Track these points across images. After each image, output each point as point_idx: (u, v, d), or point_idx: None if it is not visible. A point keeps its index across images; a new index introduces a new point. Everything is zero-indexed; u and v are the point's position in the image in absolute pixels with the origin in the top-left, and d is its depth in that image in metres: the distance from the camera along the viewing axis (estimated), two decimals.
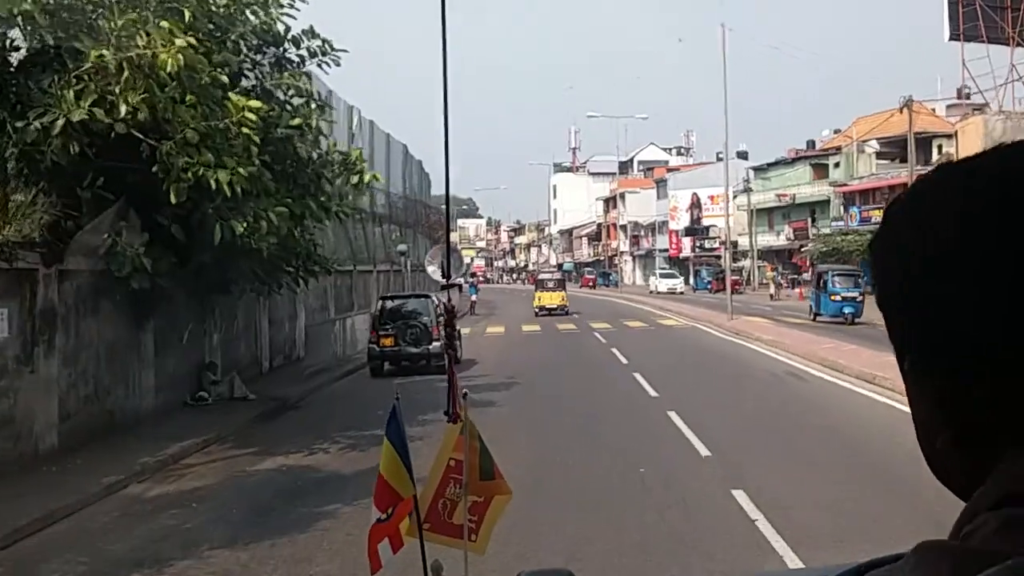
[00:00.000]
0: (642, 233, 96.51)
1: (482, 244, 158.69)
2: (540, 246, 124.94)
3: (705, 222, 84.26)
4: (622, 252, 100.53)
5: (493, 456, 3.33)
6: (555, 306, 44.37)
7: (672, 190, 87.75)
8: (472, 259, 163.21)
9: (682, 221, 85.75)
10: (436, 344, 22.09)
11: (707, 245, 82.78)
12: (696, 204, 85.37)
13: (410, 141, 46.48)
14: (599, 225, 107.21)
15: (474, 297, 50.40)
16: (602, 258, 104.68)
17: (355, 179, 15.44)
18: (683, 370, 21.62)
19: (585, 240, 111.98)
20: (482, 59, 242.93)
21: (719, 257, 79.88)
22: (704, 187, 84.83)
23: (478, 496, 3.29)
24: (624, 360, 23.61)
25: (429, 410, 14.17)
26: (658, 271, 76.99)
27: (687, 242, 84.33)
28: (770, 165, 74.85)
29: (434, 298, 23.14)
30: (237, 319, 19.98)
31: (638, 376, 20.18)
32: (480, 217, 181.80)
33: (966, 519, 0.70)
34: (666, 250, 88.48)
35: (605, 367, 22.60)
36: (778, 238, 72.17)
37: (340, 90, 29.66)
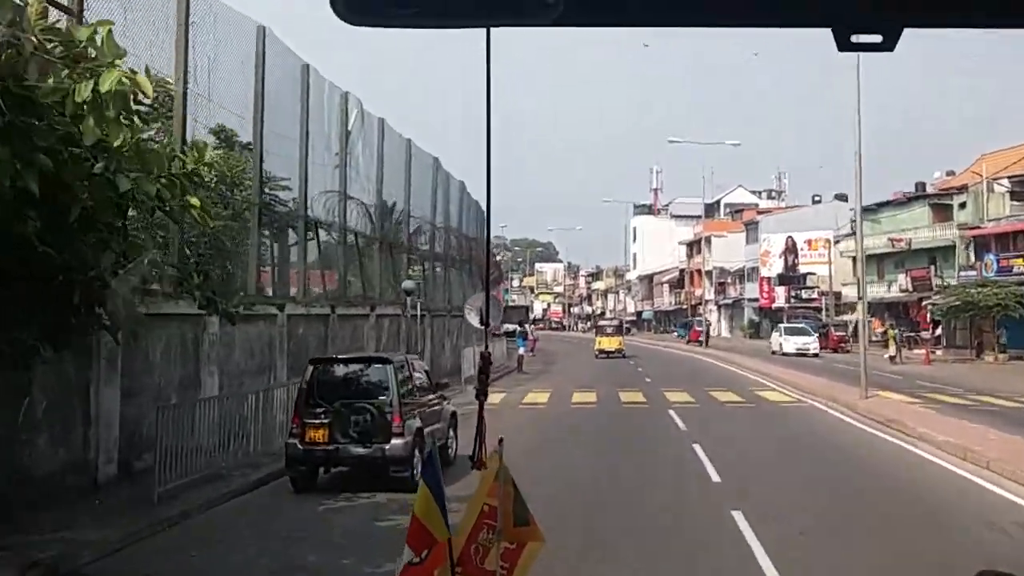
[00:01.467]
0: (729, 280, 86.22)
1: (559, 289, 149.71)
2: (618, 292, 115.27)
3: (801, 269, 73.70)
4: (706, 301, 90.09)
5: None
6: (613, 349, 49.40)
7: (764, 233, 77.47)
8: (549, 305, 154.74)
9: (775, 268, 75.34)
10: (398, 442, 12.95)
11: (803, 295, 72.17)
12: (791, 249, 74.91)
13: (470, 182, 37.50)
14: (681, 271, 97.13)
15: (523, 350, 40.31)
16: (684, 306, 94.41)
17: (85, 90, 6.46)
18: (823, 504, 12.04)
19: (666, 287, 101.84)
20: (558, 96, 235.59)
21: (818, 309, 69.29)
22: (800, 231, 74.49)
23: (511, 543, 3.38)
24: (714, 475, 14.08)
25: None
26: (783, 325, 59.47)
27: (780, 291, 73.80)
28: (880, 205, 64.15)
29: (399, 362, 13.96)
30: (31, 394, 11.16)
31: (740, 521, 10.72)
32: (559, 261, 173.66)
33: None
34: (756, 300, 78.05)
35: (683, 487, 13.18)
36: (889, 289, 61.35)
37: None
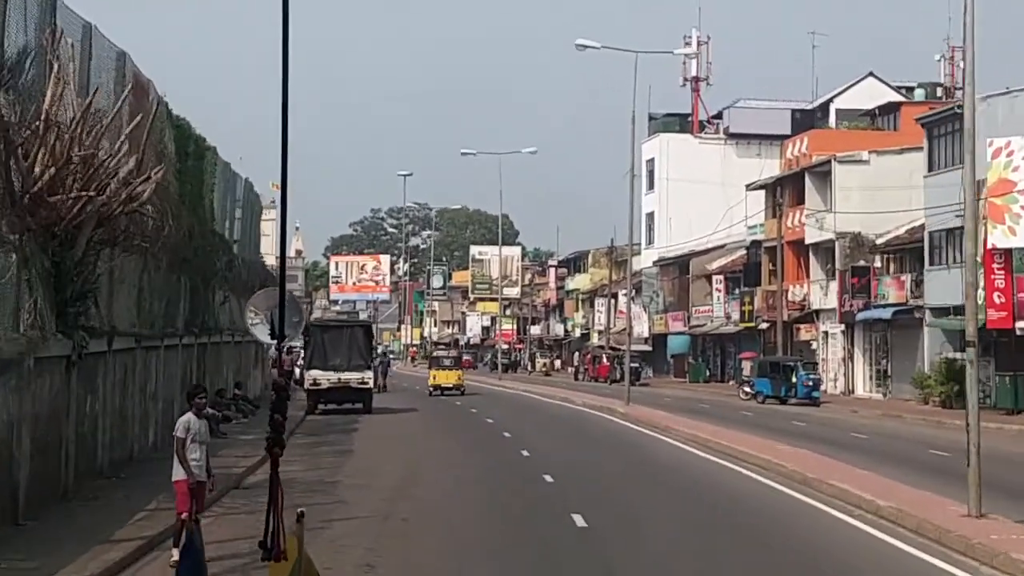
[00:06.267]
0: (877, 264, 51.18)
1: (513, 292, 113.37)
2: (615, 295, 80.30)
3: None
4: (817, 312, 55.20)
5: None
6: (450, 385, 53.89)
7: (994, 137, 42.34)
8: (494, 320, 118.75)
9: None
10: None
11: None
12: None
13: None
14: (754, 247, 62.11)
15: None
16: (761, 323, 59.39)
17: None
18: None
19: (720, 283, 66.65)
20: None
21: None
22: None
23: None
24: None
25: None
26: None
27: None
28: None
29: None
30: None
31: None
32: (516, 245, 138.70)
33: None
34: (955, 310, 42.80)
35: None
36: None
37: None
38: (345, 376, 38.90)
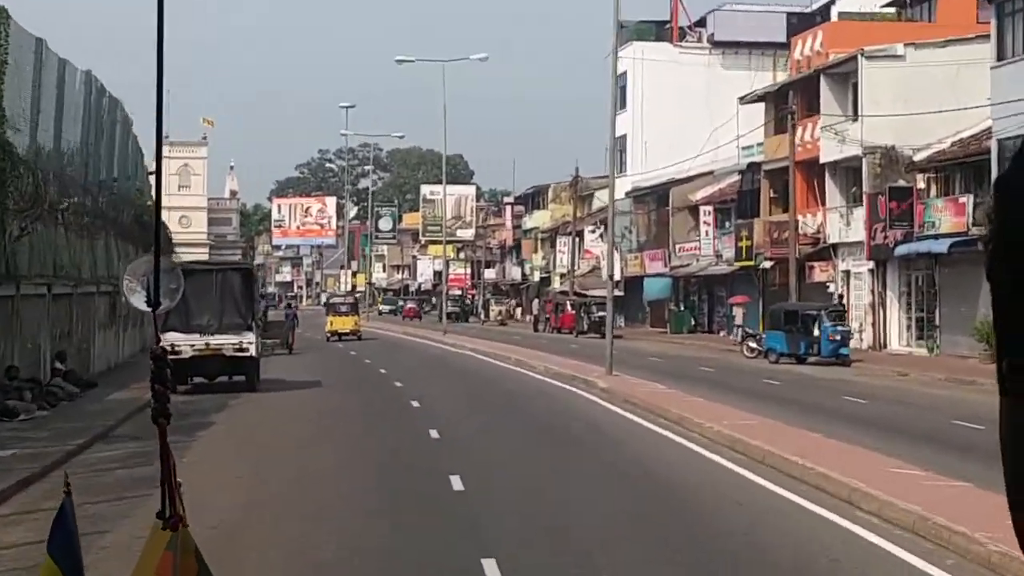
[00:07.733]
0: (920, 185, 40.07)
1: (467, 234, 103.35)
2: (579, 232, 68.99)
3: None
4: (835, 246, 44.24)
5: None
6: (347, 330, 56.18)
7: None
8: (448, 263, 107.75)
9: None
10: None
11: None
12: None
13: None
14: (750, 171, 51.06)
15: None
16: (762, 261, 48.36)
17: None
18: None
19: (710, 215, 55.55)
20: None
21: None
22: None
23: None
24: None
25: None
26: None
27: None
28: None
29: None
30: None
31: None
32: (470, 184, 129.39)
33: None
34: None
35: None
36: None
37: None
38: (216, 341, 27.40)
